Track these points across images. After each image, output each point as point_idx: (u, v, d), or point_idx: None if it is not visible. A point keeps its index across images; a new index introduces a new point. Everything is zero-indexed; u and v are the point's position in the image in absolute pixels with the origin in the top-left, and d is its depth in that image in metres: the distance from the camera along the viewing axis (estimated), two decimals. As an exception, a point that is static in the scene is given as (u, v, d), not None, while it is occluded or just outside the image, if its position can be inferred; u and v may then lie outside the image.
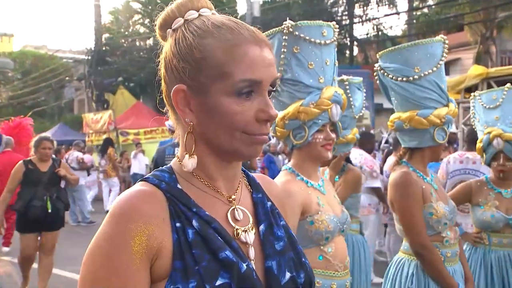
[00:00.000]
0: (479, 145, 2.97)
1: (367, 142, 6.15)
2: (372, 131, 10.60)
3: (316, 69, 2.03)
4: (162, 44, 1.00)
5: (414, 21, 20.55)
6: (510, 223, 2.86)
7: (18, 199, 5.16)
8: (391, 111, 2.59)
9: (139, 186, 0.92)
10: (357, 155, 5.89)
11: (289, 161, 2.18)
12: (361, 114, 3.43)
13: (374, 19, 20.69)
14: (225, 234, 0.90)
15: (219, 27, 0.91)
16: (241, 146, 0.91)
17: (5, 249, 7.73)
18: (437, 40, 2.43)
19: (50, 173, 5.27)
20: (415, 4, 20.73)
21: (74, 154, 10.91)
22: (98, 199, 12.64)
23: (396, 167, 2.54)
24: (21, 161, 5.28)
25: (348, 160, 3.81)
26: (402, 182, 2.37)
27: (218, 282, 0.84)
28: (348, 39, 21.54)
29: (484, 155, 2.98)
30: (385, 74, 2.49)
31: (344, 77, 3.17)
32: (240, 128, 0.89)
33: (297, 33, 2.02)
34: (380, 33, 21.07)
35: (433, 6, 20.91)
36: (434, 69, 2.37)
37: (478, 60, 18.21)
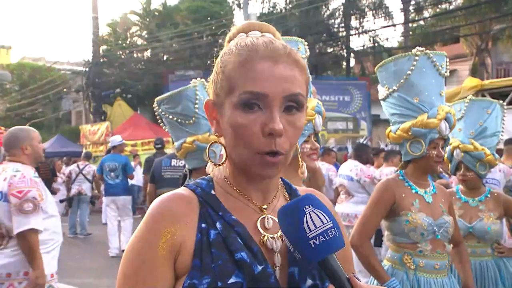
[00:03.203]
0: (445, 156, 3.02)
1: (362, 153, 6.19)
2: (369, 142, 10.63)
3: None
4: None
5: (410, 33, 20.72)
6: (470, 231, 2.93)
7: None
8: (388, 122, 2.65)
9: (178, 190, 1.02)
10: (352, 167, 5.92)
11: None
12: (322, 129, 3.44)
13: (370, 31, 20.86)
14: (246, 238, 0.94)
15: (241, 47, 0.95)
16: (253, 165, 0.94)
17: (1, 261, 7.66)
18: (405, 56, 2.49)
19: None
20: (411, 16, 20.92)
21: (91, 167, 10.71)
22: (95, 211, 12.60)
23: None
24: None
25: None
26: (379, 185, 2.55)
27: (231, 281, 0.89)
28: (345, 50, 21.69)
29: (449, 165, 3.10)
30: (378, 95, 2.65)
31: None
32: (245, 142, 0.92)
33: None
34: (376, 44, 21.23)
35: (429, 18, 21.10)
36: (399, 84, 2.44)
37: (474, 72, 18.36)
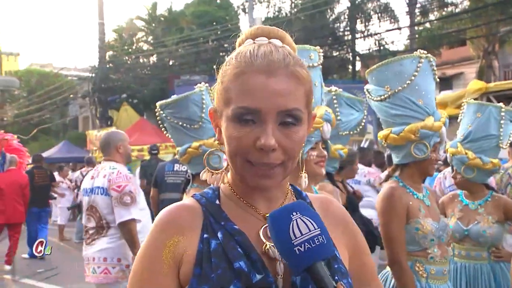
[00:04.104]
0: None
1: (363, 156, 6.21)
2: (375, 146, 10.58)
3: None
4: None
5: (416, 36, 20.64)
6: (466, 234, 2.93)
7: None
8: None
9: (185, 200, 1.05)
10: (359, 171, 5.90)
11: None
12: (356, 131, 3.38)
13: (375, 34, 20.82)
14: (246, 247, 0.93)
15: (239, 56, 0.95)
16: (246, 175, 0.94)
17: (7, 267, 7.70)
18: (409, 57, 2.45)
19: None
20: (417, 19, 20.85)
21: None
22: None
23: (384, 183, 2.61)
24: None
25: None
26: (386, 196, 2.45)
27: None
28: (351, 54, 21.66)
29: None
30: (367, 95, 2.58)
31: (333, 88, 3.15)
32: (239, 154, 0.92)
33: None
34: (382, 48, 21.17)
35: (435, 21, 21.01)
36: (405, 85, 2.39)
37: (481, 75, 18.23)
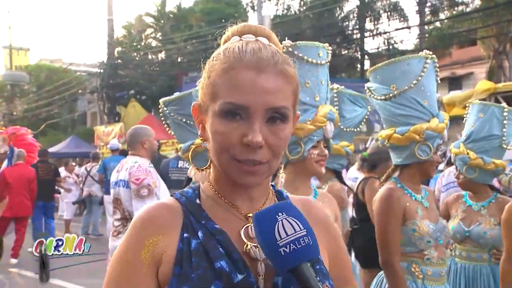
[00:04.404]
0: None
1: None
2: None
3: (312, 88, 2.09)
4: None
5: (426, 35, 20.48)
6: (467, 235, 2.93)
7: None
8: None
9: (164, 200, 1.03)
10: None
11: None
12: (359, 129, 3.34)
13: (385, 33, 20.69)
14: (227, 246, 0.92)
15: (228, 51, 0.94)
16: (232, 172, 0.93)
17: (13, 260, 7.75)
18: (416, 57, 2.43)
19: None
20: (427, 18, 20.68)
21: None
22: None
23: (383, 183, 2.59)
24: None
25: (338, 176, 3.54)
26: (383, 197, 2.44)
27: None
28: (359, 52, 21.55)
29: None
30: (369, 94, 2.55)
31: (335, 85, 3.12)
32: (225, 150, 0.91)
33: (295, 52, 2.07)
34: (391, 47, 21.04)
35: (445, 20, 20.83)
36: (411, 85, 2.38)
37: (491, 75, 18.06)
